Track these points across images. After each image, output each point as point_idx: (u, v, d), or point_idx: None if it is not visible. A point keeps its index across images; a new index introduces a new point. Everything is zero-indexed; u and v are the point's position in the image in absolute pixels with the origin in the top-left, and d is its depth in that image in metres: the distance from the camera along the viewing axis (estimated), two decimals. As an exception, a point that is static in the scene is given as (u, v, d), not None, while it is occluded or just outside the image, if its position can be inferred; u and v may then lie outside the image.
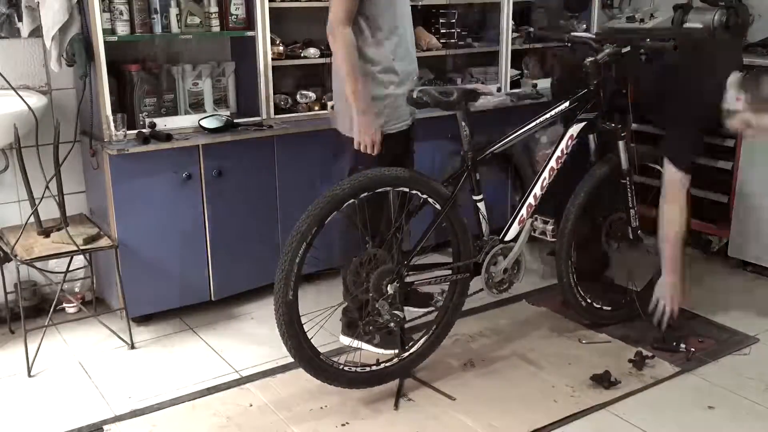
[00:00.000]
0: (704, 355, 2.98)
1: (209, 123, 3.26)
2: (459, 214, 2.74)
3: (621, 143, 3.02)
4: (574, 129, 2.95)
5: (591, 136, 3.05)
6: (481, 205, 2.81)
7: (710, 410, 2.62)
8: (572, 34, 3.22)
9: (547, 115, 2.90)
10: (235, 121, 3.35)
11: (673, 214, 2.98)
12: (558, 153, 2.93)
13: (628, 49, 2.86)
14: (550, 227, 2.81)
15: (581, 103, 2.94)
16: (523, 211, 2.89)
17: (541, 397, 2.70)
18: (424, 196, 2.66)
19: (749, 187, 3.70)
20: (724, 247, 3.89)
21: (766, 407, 2.64)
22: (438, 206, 2.68)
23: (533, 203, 2.90)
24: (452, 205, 2.69)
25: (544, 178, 2.91)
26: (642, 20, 4.50)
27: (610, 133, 3.03)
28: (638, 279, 3.31)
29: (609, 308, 3.23)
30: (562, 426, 2.54)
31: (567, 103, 2.92)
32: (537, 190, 2.90)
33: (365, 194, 2.51)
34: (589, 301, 3.16)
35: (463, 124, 2.72)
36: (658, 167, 3.19)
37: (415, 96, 2.67)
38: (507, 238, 2.87)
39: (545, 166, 2.93)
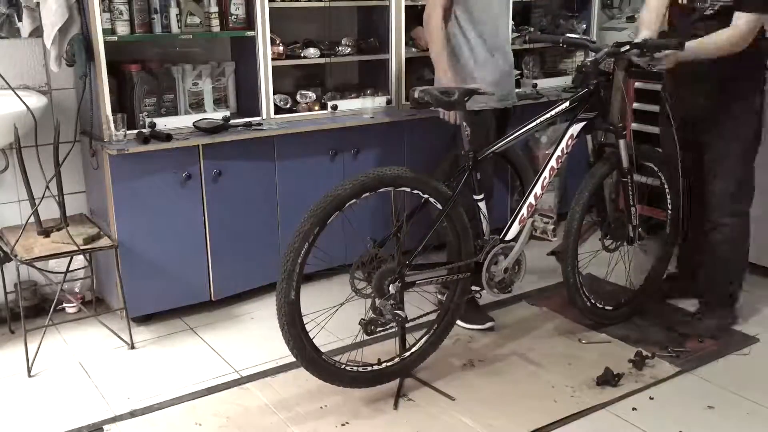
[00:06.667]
0: (704, 355, 2.98)
1: (203, 124, 3.26)
2: (460, 213, 2.74)
3: (622, 141, 3.02)
4: (574, 129, 2.95)
5: (588, 137, 3.05)
6: (482, 205, 2.82)
7: (710, 410, 2.62)
8: (567, 36, 3.22)
9: (547, 115, 2.90)
10: (235, 121, 3.35)
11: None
12: (558, 153, 2.93)
13: (626, 48, 2.86)
14: (550, 227, 2.82)
15: (581, 103, 2.94)
16: (524, 210, 2.89)
17: (541, 397, 2.70)
18: (426, 195, 2.66)
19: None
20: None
21: (766, 407, 2.64)
22: (439, 206, 2.69)
23: (534, 203, 2.91)
24: (453, 205, 2.70)
25: (545, 178, 2.91)
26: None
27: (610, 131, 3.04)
28: (637, 278, 3.33)
29: (610, 308, 3.23)
30: (562, 426, 2.54)
31: (567, 103, 2.93)
32: (537, 190, 2.90)
33: (367, 194, 2.52)
34: (593, 301, 3.16)
35: (464, 123, 2.73)
36: (651, 165, 3.20)
37: (416, 95, 2.68)
38: (507, 238, 2.88)
39: (545, 166, 2.93)
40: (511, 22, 3.76)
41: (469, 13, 3.07)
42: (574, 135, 2.95)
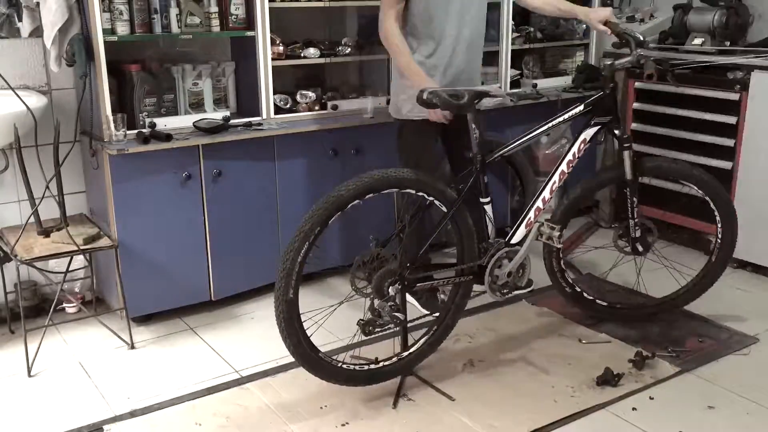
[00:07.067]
0: (704, 355, 2.98)
1: (203, 124, 3.26)
2: (465, 216, 2.73)
3: (626, 153, 2.95)
4: (588, 133, 2.89)
5: (611, 137, 2.99)
6: (488, 208, 2.78)
7: (710, 410, 2.62)
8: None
9: (561, 119, 2.85)
10: (235, 121, 3.35)
11: None
12: (570, 157, 2.88)
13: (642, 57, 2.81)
14: (556, 233, 2.78)
15: (595, 107, 2.89)
16: (531, 214, 2.86)
17: (541, 397, 2.70)
18: (431, 198, 2.65)
19: (749, 187, 3.71)
20: (724, 247, 3.89)
21: (766, 407, 2.64)
22: (444, 208, 2.68)
23: (542, 206, 2.87)
24: (458, 208, 2.69)
25: (554, 182, 2.87)
26: (642, 20, 4.50)
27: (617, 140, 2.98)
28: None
29: (605, 303, 3.22)
30: (562, 426, 2.54)
31: (581, 107, 2.87)
32: (546, 194, 2.86)
33: (371, 195, 2.52)
34: (578, 289, 3.15)
35: (473, 126, 2.69)
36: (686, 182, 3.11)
37: (425, 97, 2.64)
38: (513, 241, 2.85)
39: (555, 170, 2.88)
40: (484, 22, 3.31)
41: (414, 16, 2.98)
42: (587, 139, 2.90)
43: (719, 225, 3.15)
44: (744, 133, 3.71)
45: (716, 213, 3.13)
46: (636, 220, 3.04)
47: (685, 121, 4.00)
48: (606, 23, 2.92)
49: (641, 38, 2.86)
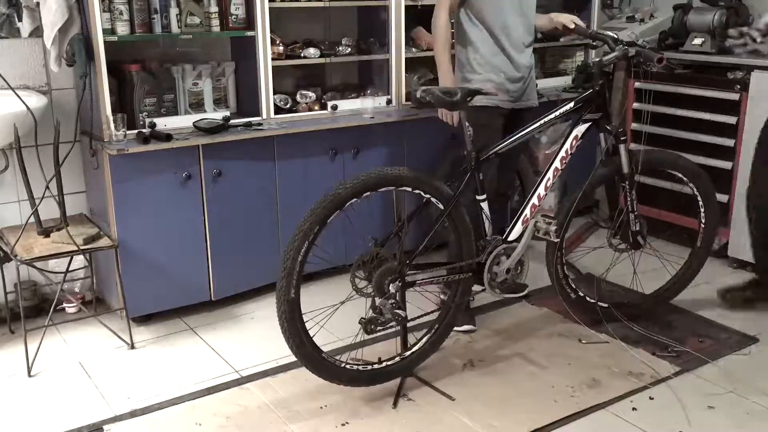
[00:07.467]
0: (704, 355, 2.98)
1: (203, 124, 3.26)
2: (462, 213, 2.74)
3: (622, 146, 2.98)
4: (579, 129, 2.93)
5: (601, 135, 3.01)
6: (485, 205, 2.81)
7: (710, 410, 2.63)
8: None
9: (552, 116, 2.88)
10: (235, 121, 3.35)
11: None
12: (562, 153, 2.91)
13: (633, 53, 2.84)
14: (553, 228, 2.80)
15: (586, 104, 2.92)
16: (527, 211, 2.88)
17: (541, 397, 2.70)
18: (427, 195, 2.66)
19: (749, 187, 3.70)
20: (724, 247, 3.89)
21: (766, 407, 2.64)
22: (441, 206, 2.68)
23: (537, 203, 2.89)
24: (455, 205, 2.69)
25: (548, 179, 2.90)
26: (642, 20, 4.50)
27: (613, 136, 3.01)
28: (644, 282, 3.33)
29: (605, 305, 3.22)
30: (562, 426, 2.54)
31: (571, 104, 2.91)
32: (541, 191, 2.89)
33: (368, 193, 2.52)
34: (581, 294, 3.15)
35: (467, 123, 2.72)
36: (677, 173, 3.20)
37: (418, 95, 2.66)
38: (510, 238, 2.87)
39: (549, 167, 2.91)
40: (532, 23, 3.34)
41: (478, 10, 3.05)
42: (579, 136, 2.93)
43: (702, 210, 3.28)
44: (744, 133, 3.71)
45: (699, 199, 3.26)
46: (636, 213, 3.07)
47: (685, 121, 4.00)
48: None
49: (615, 35, 2.92)
